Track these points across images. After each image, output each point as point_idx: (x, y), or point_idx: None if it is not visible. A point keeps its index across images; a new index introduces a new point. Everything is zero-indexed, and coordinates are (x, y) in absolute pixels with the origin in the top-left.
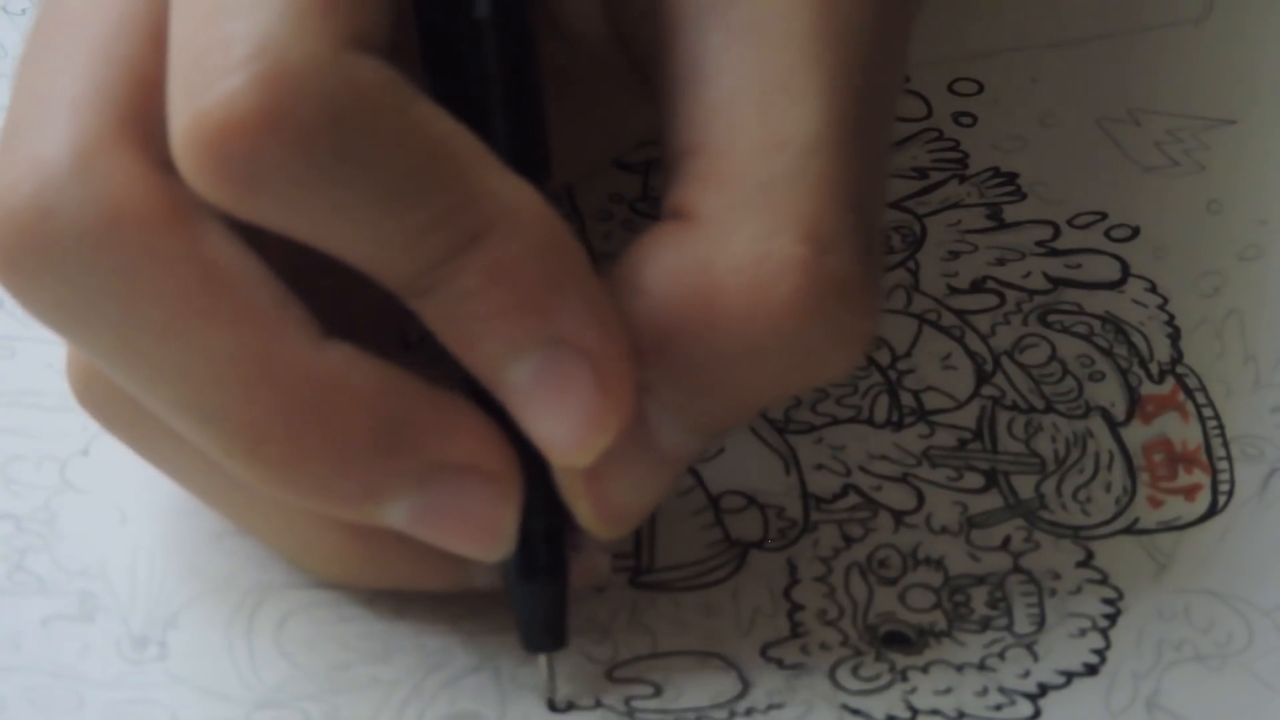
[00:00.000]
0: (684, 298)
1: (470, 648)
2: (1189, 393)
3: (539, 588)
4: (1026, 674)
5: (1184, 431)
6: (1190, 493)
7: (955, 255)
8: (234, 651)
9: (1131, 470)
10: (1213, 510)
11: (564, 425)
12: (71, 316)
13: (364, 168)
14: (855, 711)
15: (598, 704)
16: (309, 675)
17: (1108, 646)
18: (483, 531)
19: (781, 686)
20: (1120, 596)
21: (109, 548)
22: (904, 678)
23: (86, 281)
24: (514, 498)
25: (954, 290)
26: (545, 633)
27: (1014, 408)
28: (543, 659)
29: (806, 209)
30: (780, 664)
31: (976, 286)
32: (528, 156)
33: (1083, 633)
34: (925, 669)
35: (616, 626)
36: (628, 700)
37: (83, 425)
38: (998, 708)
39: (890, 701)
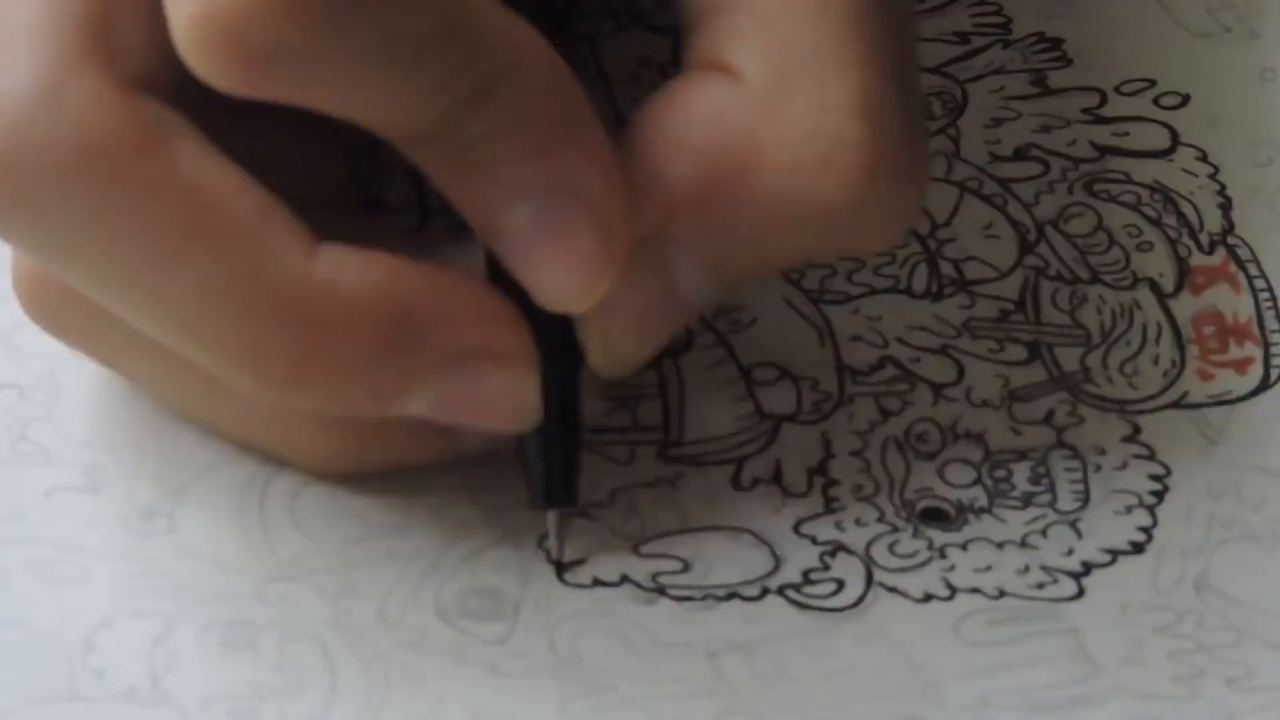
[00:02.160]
0: (724, 157)
1: (492, 522)
2: (1240, 264)
3: (550, 439)
4: (1070, 552)
5: (1235, 304)
6: (1241, 366)
7: (998, 122)
8: (246, 524)
9: (1180, 343)
10: (1265, 384)
11: (562, 271)
12: (55, 250)
13: (382, 28)
14: (891, 589)
15: (624, 579)
16: (324, 548)
17: (1155, 524)
18: (507, 409)
19: (815, 563)
20: (1168, 473)
21: (115, 418)
22: (942, 555)
23: (67, 215)
24: (534, 371)
25: (996, 158)
26: (556, 487)
27: (1058, 278)
28: (551, 516)
29: (857, 82)
30: (814, 540)
31: (1020, 154)
32: (544, 9)
33: (1129, 510)
34: (964, 546)
35: (644, 500)
36: (655, 576)
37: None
38: (1040, 586)
39: (928, 579)
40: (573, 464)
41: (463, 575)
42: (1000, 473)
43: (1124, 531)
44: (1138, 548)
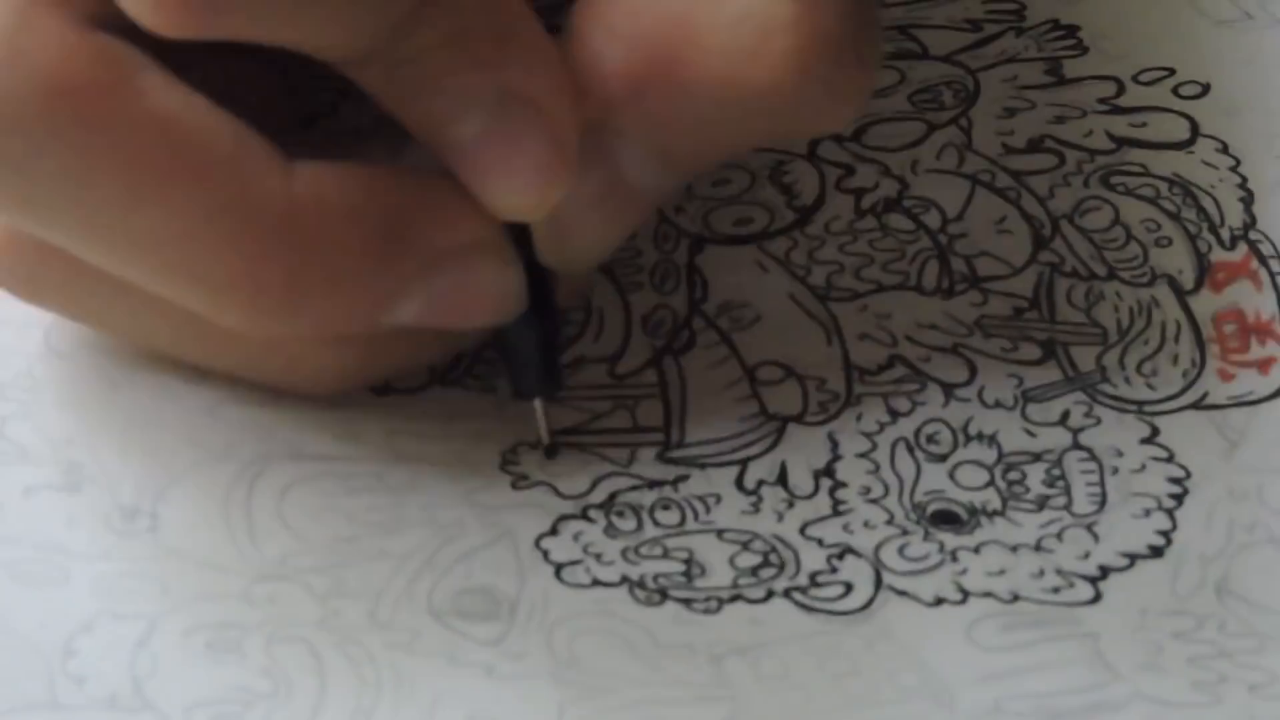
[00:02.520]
0: (658, 44)
1: (486, 521)
2: (1263, 260)
3: (529, 327)
4: (1086, 555)
5: (1257, 301)
6: (1264, 366)
7: (1011, 113)
8: (231, 523)
9: (1200, 341)
10: None
11: (515, 178)
12: (32, 205)
13: None
14: (901, 593)
15: (624, 579)
16: (312, 547)
17: (1174, 528)
18: (495, 300)
19: (822, 565)
20: (1188, 475)
21: (97, 416)
22: (954, 558)
23: (41, 165)
24: (515, 258)
25: (1009, 150)
26: (540, 375)
27: (1074, 274)
28: (537, 404)
29: None
30: (821, 543)
31: (1034, 146)
32: None
33: (1147, 513)
34: (977, 549)
35: (645, 502)
36: (656, 577)
37: None
38: (1055, 590)
39: (939, 583)
40: (554, 352)
41: (457, 574)
42: (1014, 475)
43: (1142, 535)
44: (1156, 551)
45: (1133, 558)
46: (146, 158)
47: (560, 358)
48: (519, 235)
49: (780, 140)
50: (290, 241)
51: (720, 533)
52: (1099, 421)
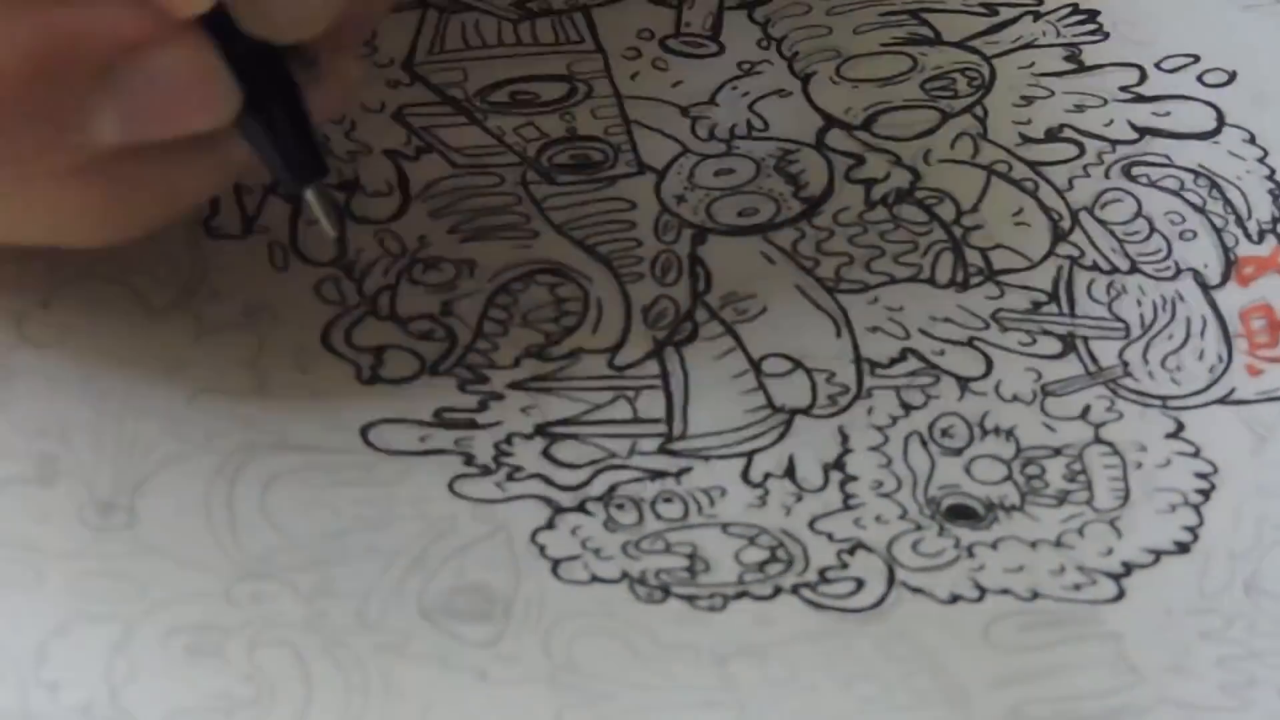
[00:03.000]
0: None
1: (479, 515)
2: None
3: (275, 115)
4: (1109, 552)
5: None
6: None
7: (1029, 101)
8: (213, 518)
9: (1227, 337)
10: None
11: None
12: None
13: None
14: (915, 590)
15: (624, 576)
16: (298, 544)
17: (1201, 523)
18: (200, 97)
19: (832, 561)
20: (1215, 471)
21: (71, 407)
22: (970, 554)
23: None
24: (207, 42)
25: (1027, 139)
26: (302, 161)
27: (1094, 268)
28: (309, 194)
29: None
30: (830, 538)
31: (1052, 135)
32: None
33: (1173, 508)
34: (994, 545)
35: (646, 495)
36: (658, 573)
37: (43, 276)
38: (1076, 587)
39: (955, 579)
40: (306, 134)
41: (449, 572)
42: (1033, 469)
43: (1168, 531)
44: (1183, 548)
45: (1158, 554)
46: None
47: (315, 139)
48: (217, 22)
49: None
50: None
51: (725, 527)
52: (1121, 416)
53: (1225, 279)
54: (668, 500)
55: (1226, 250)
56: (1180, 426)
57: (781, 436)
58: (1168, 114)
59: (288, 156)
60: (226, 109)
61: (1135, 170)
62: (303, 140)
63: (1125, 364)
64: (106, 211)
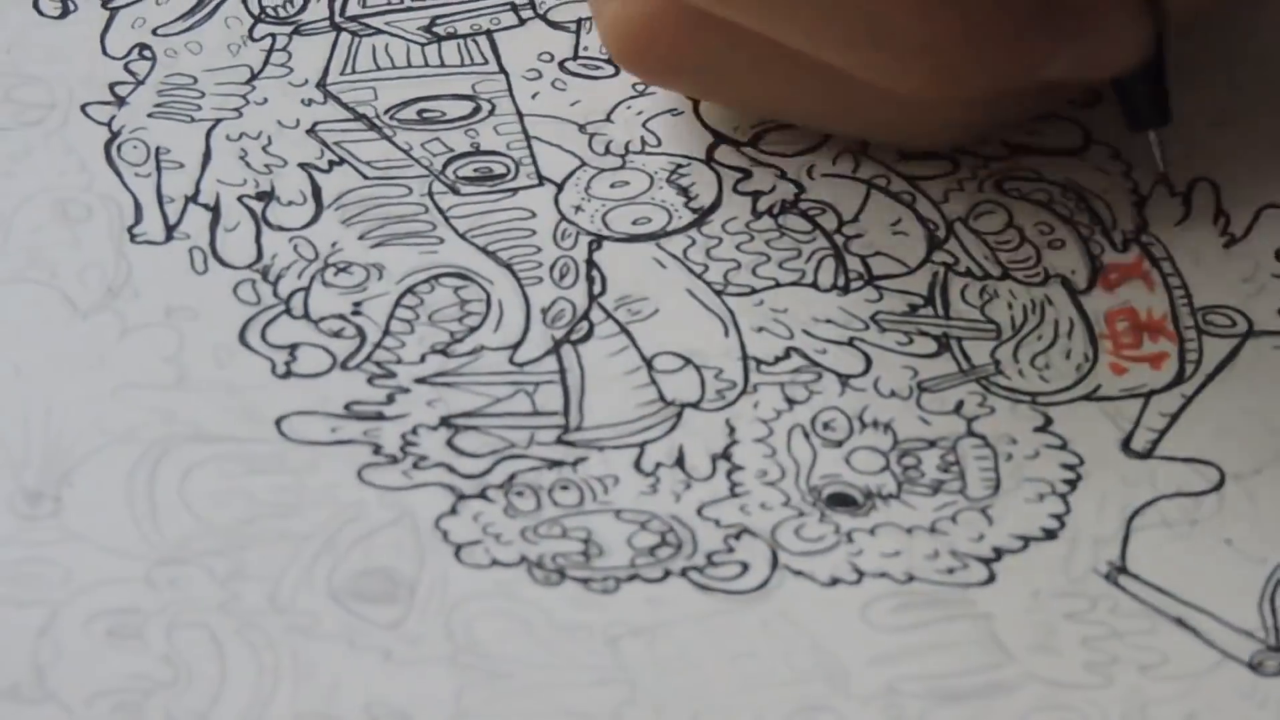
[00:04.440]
0: None
1: (386, 501)
2: (1154, 262)
3: (1151, 68)
4: (980, 537)
5: (1149, 300)
6: (1156, 361)
7: None
8: (134, 506)
9: (1093, 337)
10: (1180, 378)
11: None
12: None
13: None
14: (797, 573)
15: (522, 560)
16: (214, 530)
17: (1067, 511)
18: (1129, 49)
19: (719, 545)
20: (1081, 462)
21: (2, 402)
22: (849, 539)
23: None
24: (1144, 7)
25: (905, 156)
26: (1151, 107)
27: (968, 274)
28: (1152, 135)
29: None
30: (717, 523)
31: (929, 153)
32: None
33: (1041, 497)
34: (872, 531)
35: (543, 482)
36: (555, 557)
37: None
38: (949, 571)
39: (835, 563)
40: (1163, 85)
41: (357, 556)
42: (909, 460)
43: (1036, 518)
44: (1050, 534)
45: (1026, 540)
46: None
47: (1168, 92)
48: None
49: None
50: (968, 7)
51: (618, 513)
52: (993, 411)
53: (1091, 284)
54: (564, 488)
55: (1093, 258)
56: (1048, 420)
57: (672, 428)
58: (1038, 133)
59: (1146, 101)
60: (1143, 55)
61: (1007, 184)
62: (1160, 89)
63: (997, 362)
64: (968, 126)
